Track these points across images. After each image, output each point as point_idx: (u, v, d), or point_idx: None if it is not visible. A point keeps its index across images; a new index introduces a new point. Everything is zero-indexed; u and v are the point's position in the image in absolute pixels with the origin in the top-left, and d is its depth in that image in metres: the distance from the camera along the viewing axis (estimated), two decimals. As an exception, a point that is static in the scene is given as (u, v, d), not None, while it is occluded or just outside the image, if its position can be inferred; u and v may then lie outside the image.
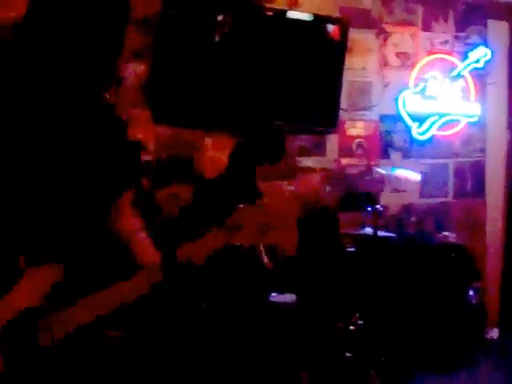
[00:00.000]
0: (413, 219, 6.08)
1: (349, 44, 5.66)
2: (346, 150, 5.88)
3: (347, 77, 5.74)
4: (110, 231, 2.10)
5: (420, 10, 6.24)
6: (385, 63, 6.07)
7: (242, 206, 1.96)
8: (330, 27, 5.52)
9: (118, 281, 1.92)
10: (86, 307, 1.85)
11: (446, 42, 6.35)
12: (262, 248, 4.36)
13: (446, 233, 5.94)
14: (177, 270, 1.76)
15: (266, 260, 4.40)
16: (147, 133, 4.98)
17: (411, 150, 6.17)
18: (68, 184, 1.95)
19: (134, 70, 4.96)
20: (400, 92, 6.05)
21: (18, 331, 1.76)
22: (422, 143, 6.19)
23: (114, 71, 1.89)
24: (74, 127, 1.95)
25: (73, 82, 1.83)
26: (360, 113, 5.94)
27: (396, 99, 6.05)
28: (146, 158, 4.78)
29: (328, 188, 5.74)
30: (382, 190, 6.00)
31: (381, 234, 5.12)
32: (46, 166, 1.90)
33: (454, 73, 6.24)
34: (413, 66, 6.15)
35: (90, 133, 1.98)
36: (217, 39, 5.08)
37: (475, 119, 6.34)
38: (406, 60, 6.16)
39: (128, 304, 1.90)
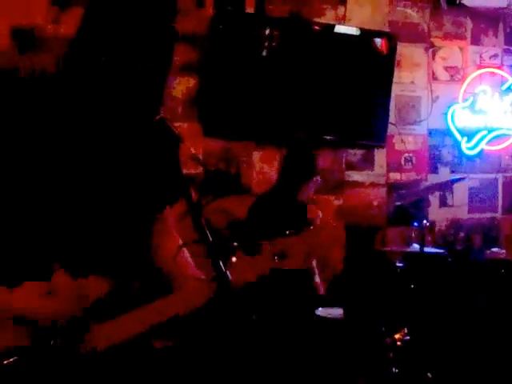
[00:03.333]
0: (461, 235, 6.02)
1: (397, 58, 5.65)
2: (394, 165, 5.86)
3: (396, 91, 5.73)
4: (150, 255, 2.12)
5: (469, 23, 6.19)
6: (433, 77, 6.04)
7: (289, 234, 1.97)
8: (378, 41, 5.52)
9: (163, 296, 1.93)
10: (131, 321, 1.86)
11: (496, 55, 6.29)
12: (314, 266, 4.37)
13: (495, 249, 5.86)
14: (228, 284, 1.77)
15: (318, 281, 4.40)
16: (196, 146, 5.02)
17: (460, 164, 6.11)
18: (118, 196, 1.97)
19: (184, 84, 5.02)
20: (449, 106, 6.01)
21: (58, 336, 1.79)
22: (470, 158, 6.13)
23: (164, 86, 1.91)
24: (128, 142, 1.97)
25: (127, 97, 1.86)
26: (408, 127, 5.91)
27: (445, 114, 6.01)
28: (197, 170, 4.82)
29: (376, 203, 5.72)
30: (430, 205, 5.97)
31: (429, 249, 5.08)
32: (99, 180, 1.93)
33: (504, 87, 6.18)
34: (462, 80, 6.11)
35: (144, 147, 2.01)
36: (265, 54, 5.11)
37: (525, 134, 6.26)
38: (455, 74, 6.12)
39: (177, 319, 1.91)
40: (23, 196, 1.85)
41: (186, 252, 2.17)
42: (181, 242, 2.18)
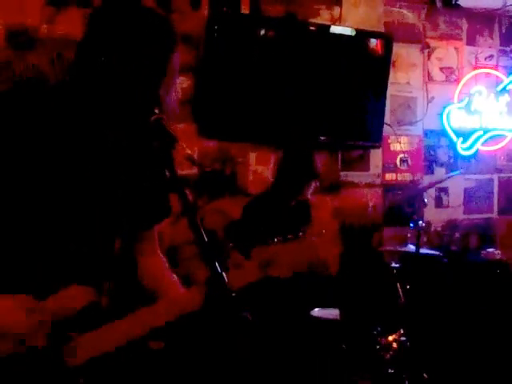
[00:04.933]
0: (457, 235, 6.02)
1: (393, 58, 5.65)
2: (389, 165, 5.86)
3: (391, 91, 5.72)
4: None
5: (464, 24, 6.20)
6: (429, 78, 6.04)
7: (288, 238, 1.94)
8: (374, 42, 5.51)
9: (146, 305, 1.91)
10: (115, 332, 1.83)
11: (491, 56, 6.30)
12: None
13: (490, 249, 5.86)
14: (223, 287, 1.75)
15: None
16: (191, 146, 5.01)
17: (455, 165, 6.12)
18: (112, 202, 1.96)
19: (179, 85, 5.00)
20: (444, 107, 6.02)
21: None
22: (466, 158, 6.14)
23: (159, 88, 1.89)
24: (124, 143, 1.96)
25: (125, 98, 1.85)
26: (404, 128, 5.91)
27: (440, 114, 6.02)
28: (192, 171, 4.82)
29: (371, 203, 5.72)
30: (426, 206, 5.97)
31: (424, 250, 5.07)
32: (94, 185, 1.91)
33: (500, 87, 6.18)
34: (457, 80, 6.12)
35: (140, 149, 2.00)
36: (260, 54, 5.10)
37: (521, 134, 6.27)
38: (451, 75, 6.12)
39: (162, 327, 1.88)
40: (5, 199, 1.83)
41: (170, 272, 2.16)
42: (166, 262, 2.18)
